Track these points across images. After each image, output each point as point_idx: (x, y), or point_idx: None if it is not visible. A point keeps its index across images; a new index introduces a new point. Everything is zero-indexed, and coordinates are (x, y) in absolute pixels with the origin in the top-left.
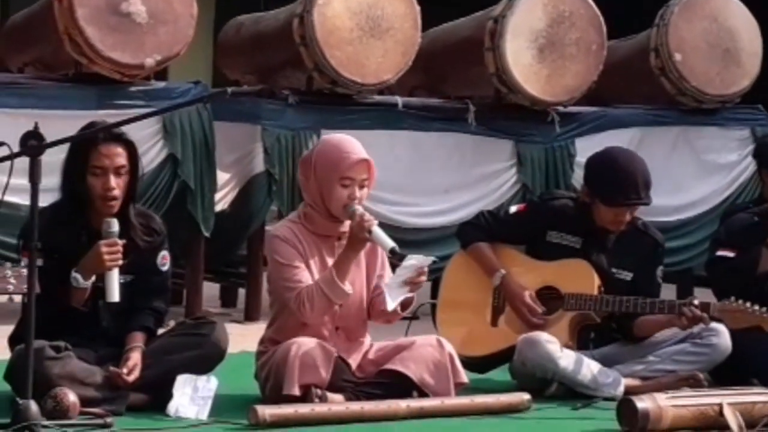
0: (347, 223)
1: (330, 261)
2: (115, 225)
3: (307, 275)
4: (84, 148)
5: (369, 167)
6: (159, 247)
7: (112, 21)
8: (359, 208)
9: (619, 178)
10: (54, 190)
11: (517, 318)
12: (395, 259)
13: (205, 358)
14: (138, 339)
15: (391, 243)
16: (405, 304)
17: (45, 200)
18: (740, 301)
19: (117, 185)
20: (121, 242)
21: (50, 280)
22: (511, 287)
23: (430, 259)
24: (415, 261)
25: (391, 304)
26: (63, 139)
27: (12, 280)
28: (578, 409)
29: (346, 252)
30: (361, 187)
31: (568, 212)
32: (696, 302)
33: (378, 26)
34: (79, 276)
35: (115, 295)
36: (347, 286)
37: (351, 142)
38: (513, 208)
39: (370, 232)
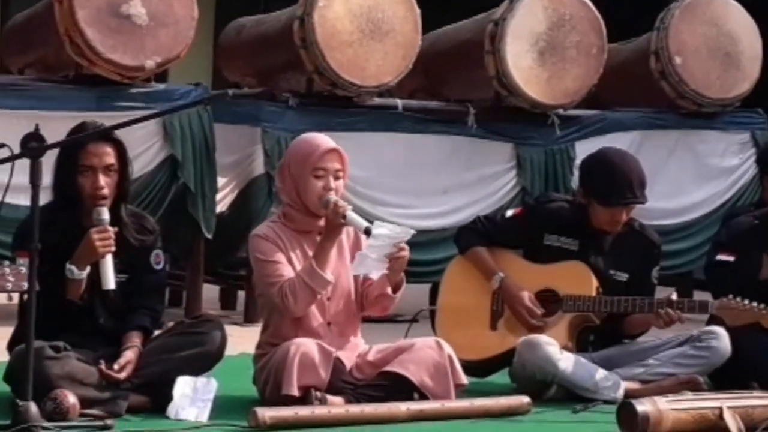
0: None
1: None
2: (105, 213)
3: (289, 270)
4: (73, 148)
5: (341, 158)
6: (152, 246)
7: (112, 23)
8: (333, 197)
9: (614, 177)
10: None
11: (516, 321)
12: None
13: (204, 356)
14: (134, 338)
15: (365, 224)
16: (396, 286)
17: (43, 200)
18: (738, 299)
19: (106, 184)
20: (112, 229)
21: (44, 277)
22: (510, 290)
23: (408, 231)
24: (387, 230)
25: (357, 270)
26: (63, 141)
27: (10, 278)
28: (578, 412)
29: (323, 241)
30: (336, 178)
31: (564, 215)
32: (674, 297)
33: (378, 29)
34: (74, 267)
35: (110, 282)
36: (328, 275)
37: (320, 136)
38: (509, 212)
39: (344, 217)
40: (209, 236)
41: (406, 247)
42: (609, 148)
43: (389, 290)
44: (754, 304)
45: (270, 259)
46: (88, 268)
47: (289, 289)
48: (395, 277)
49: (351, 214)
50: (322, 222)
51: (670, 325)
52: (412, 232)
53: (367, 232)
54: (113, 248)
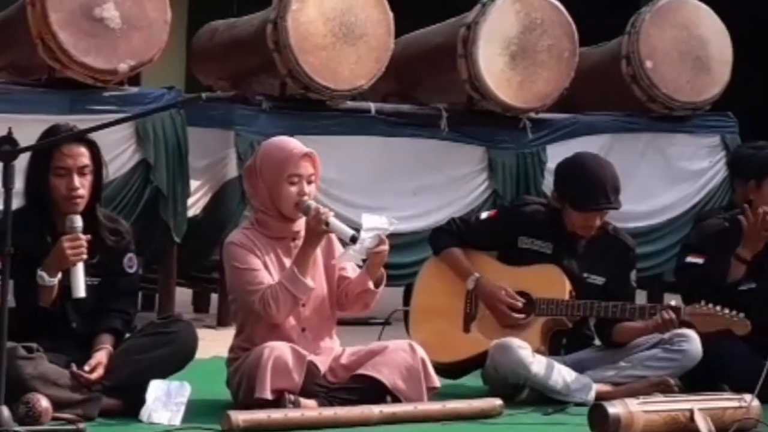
0: (300, 222)
1: (287, 261)
2: (78, 221)
3: (267, 277)
4: (46, 150)
5: (314, 162)
6: (125, 249)
7: (85, 26)
8: (313, 203)
9: (589, 183)
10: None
11: (489, 323)
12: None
13: (175, 355)
14: (105, 340)
15: (350, 231)
16: (378, 281)
17: (15, 205)
18: (710, 305)
19: (81, 185)
20: (84, 237)
21: (16, 283)
22: (486, 287)
23: (392, 221)
24: (375, 223)
25: (341, 260)
26: (36, 144)
27: None
28: (550, 414)
29: (304, 247)
30: (309, 182)
31: (539, 218)
32: (673, 304)
33: (352, 32)
34: (44, 274)
35: (80, 290)
36: (309, 281)
37: (292, 141)
38: (484, 214)
39: (327, 224)
40: (178, 241)
41: (386, 240)
42: (584, 152)
43: (371, 285)
44: (726, 311)
45: (248, 267)
46: (60, 275)
47: (271, 297)
48: (376, 271)
49: (334, 221)
50: (296, 227)
51: (669, 328)
52: (396, 222)
53: (353, 240)
54: (84, 256)
